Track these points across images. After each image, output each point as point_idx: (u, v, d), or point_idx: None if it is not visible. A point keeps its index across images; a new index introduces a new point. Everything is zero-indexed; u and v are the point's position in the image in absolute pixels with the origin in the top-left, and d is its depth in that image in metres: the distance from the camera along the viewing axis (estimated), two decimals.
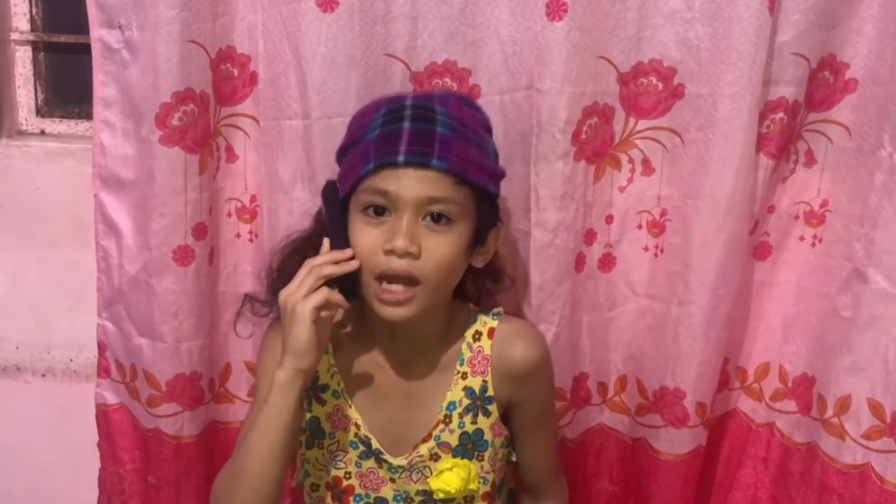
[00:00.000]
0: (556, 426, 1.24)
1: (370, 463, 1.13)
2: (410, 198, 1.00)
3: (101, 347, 1.33)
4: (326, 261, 1.02)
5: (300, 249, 1.11)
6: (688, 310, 1.25)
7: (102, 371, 1.34)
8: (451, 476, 1.11)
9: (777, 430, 1.37)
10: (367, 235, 1.02)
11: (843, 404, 1.24)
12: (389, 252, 1.00)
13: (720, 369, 1.31)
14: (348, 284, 1.03)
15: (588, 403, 1.38)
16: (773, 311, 1.34)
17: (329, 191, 1.08)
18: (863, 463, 1.23)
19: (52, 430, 1.53)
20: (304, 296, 1.00)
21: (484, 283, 1.17)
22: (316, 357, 1.02)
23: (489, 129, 1.12)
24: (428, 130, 1.01)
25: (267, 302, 1.16)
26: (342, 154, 1.08)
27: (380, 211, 1.02)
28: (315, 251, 1.06)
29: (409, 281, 1.01)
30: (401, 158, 0.99)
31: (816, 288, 1.29)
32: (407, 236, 0.99)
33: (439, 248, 1.01)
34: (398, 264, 1.00)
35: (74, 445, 1.46)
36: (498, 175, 1.09)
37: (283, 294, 1.02)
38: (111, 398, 1.35)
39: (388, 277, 1.01)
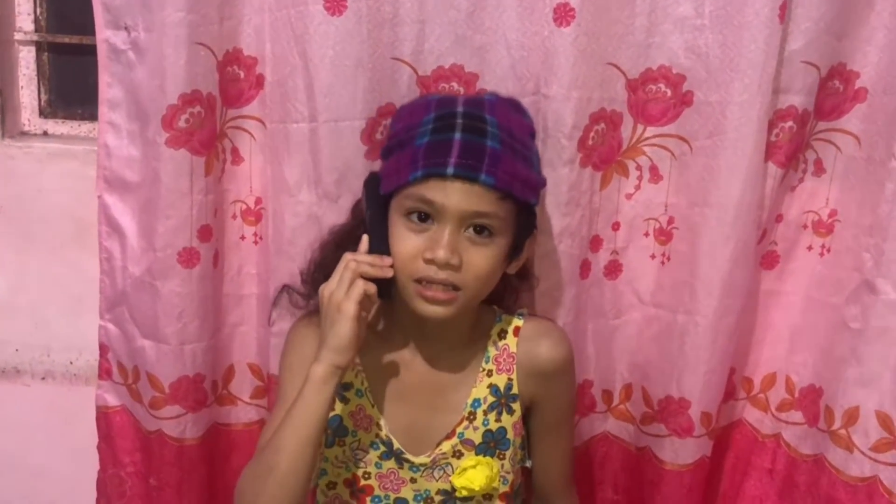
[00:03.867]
0: (572, 433, 1.24)
1: (391, 464, 1.13)
2: (455, 210, 1.00)
3: (103, 349, 1.32)
4: (366, 260, 1.03)
5: (343, 243, 1.11)
6: (694, 319, 1.25)
7: (104, 373, 1.33)
8: (475, 474, 1.11)
9: (783, 442, 1.36)
10: (408, 241, 1.02)
11: (851, 416, 1.23)
12: (430, 261, 1.01)
13: (726, 379, 1.30)
14: (380, 284, 1.04)
15: (592, 411, 1.38)
16: (781, 322, 1.33)
17: (371, 184, 1.08)
18: (871, 476, 1.22)
19: (52, 434, 1.52)
20: (345, 292, 1.01)
21: (510, 280, 1.17)
22: (354, 353, 1.02)
23: (534, 135, 1.13)
24: (478, 143, 1.01)
25: (305, 294, 1.16)
26: (387, 152, 1.08)
27: (423, 217, 1.02)
28: (356, 245, 1.06)
29: (451, 286, 1.02)
30: (450, 171, 0.99)
31: (824, 298, 1.28)
32: (448, 248, 1.00)
33: (480, 261, 1.02)
34: (437, 273, 1.01)
35: (74, 449, 1.45)
36: (540, 186, 1.10)
37: (326, 291, 1.02)
38: (112, 400, 1.34)
39: (426, 282, 1.02)
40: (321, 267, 1.13)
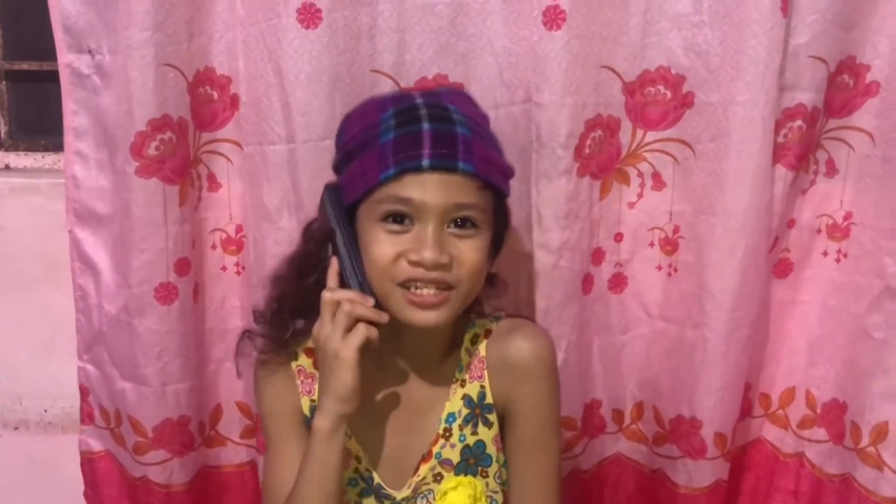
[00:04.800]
0: (554, 455, 1.09)
1: (370, 501, 1.07)
2: (437, 205, 0.93)
3: (84, 392, 1.29)
4: (354, 299, 0.96)
5: (304, 272, 1.04)
6: (703, 333, 1.21)
7: (86, 417, 1.30)
8: (456, 496, 1.03)
9: (807, 461, 1.32)
10: (387, 244, 0.95)
11: (880, 432, 1.20)
12: (416, 263, 0.94)
13: (741, 396, 1.26)
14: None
15: (603, 432, 1.34)
16: (797, 333, 1.30)
17: (332, 196, 1.00)
18: None
19: (28, 487, 1.47)
20: (341, 337, 0.94)
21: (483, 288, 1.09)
22: (358, 400, 0.96)
23: (489, 123, 1.07)
24: (449, 131, 0.95)
25: (268, 334, 1.07)
26: (344, 160, 1.01)
27: (400, 219, 0.95)
28: (316, 271, 1.00)
29: (442, 286, 0.95)
30: (425, 163, 0.93)
31: (843, 307, 1.25)
32: (436, 247, 0.93)
33: (470, 255, 0.96)
34: (427, 275, 0.94)
35: (53, 501, 1.41)
36: (510, 173, 1.04)
37: (321, 336, 0.96)
38: (96, 445, 1.31)
39: (413, 285, 0.95)
40: (283, 300, 1.05)
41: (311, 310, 0.98)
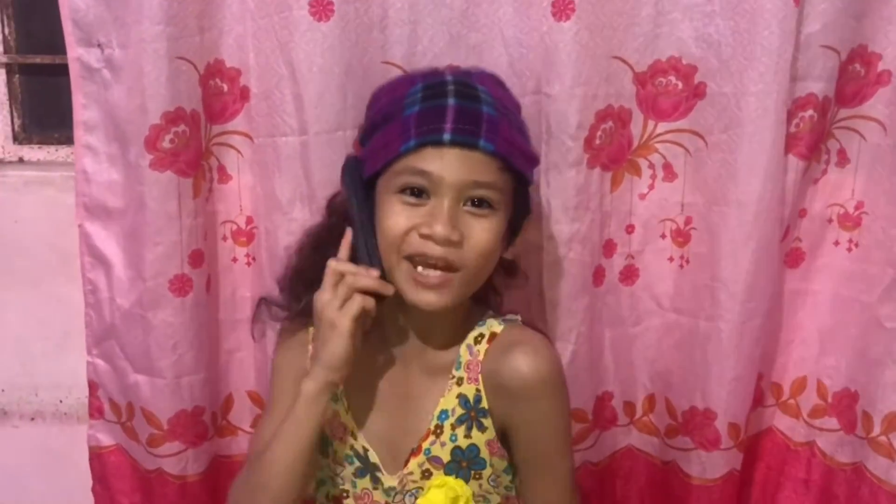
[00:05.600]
0: (565, 472, 1.04)
1: (365, 483, 1.06)
2: (454, 180, 0.93)
3: (93, 387, 1.28)
4: (357, 272, 0.96)
5: (321, 244, 1.05)
6: (716, 325, 1.20)
7: (95, 411, 1.29)
8: (436, 494, 1.00)
9: (818, 450, 1.32)
10: (400, 215, 0.95)
11: (892, 421, 1.19)
12: (427, 237, 0.93)
13: (753, 387, 1.25)
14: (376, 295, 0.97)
15: (614, 424, 1.33)
16: (809, 322, 1.29)
17: (351, 169, 1.00)
18: None
19: (44, 476, 1.47)
20: (339, 307, 0.94)
21: (496, 277, 1.08)
22: (348, 370, 0.97)
23: (520, 111, 1.06)
24: (474, 109, 0.95)
25: (285, 304, 1.09)
26: (369, 132, 1.01)
27: (417, 193, 0.95)
28: (335, 244, 1.00)
29: (447, 266, 0.95)
30: (446, 137, 0.92)
31: (855, 296, 1.24)
32: (448, 223, 0.93)
33: (482, 235, 0.95)
34: (435, 250, 0.93)
35: (68, 491, 1.41)
36: (536, 161, 1.04)
37: (318, 303, 0.96)
38: (105, 440, 1.31)
39: (422, 261, 0.95)
40: (300, 273, 1.06)
41: None
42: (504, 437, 1.03)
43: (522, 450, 1.03)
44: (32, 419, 1.47)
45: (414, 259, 0.95)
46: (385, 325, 1.04)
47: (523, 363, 0.99)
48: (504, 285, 1.11)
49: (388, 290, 0.96)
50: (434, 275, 0.94)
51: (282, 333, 1.10)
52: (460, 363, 1.03)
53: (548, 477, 1.04)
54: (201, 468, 1.29)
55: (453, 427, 1.02)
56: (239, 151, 1.21)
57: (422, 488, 1.03)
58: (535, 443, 1.02)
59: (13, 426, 1.47)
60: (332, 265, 0.97)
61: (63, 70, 1.18)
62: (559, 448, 1.03)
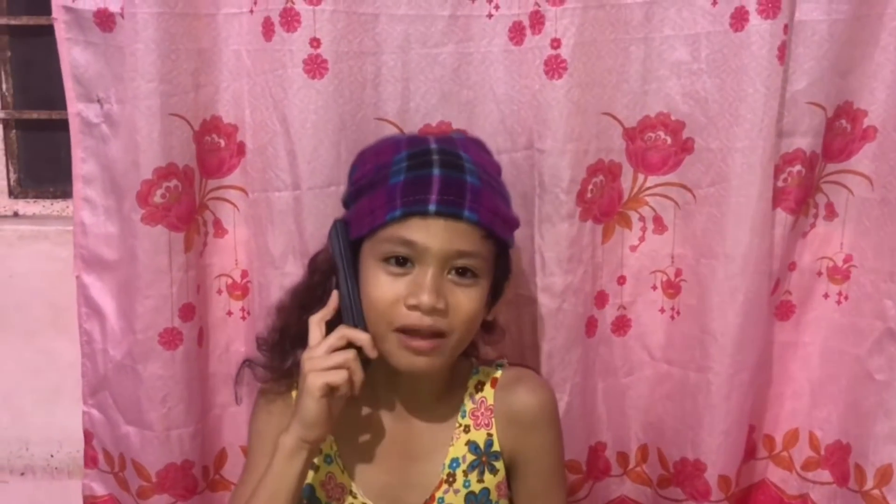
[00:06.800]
0: (563, 502, 1.12)
1: None
2: (438, 250, 0.94)
3: (88, 436, 1.28)
4: (366, 340, 0.96)
5: (307, 304, 1.04)
6: (706, 377, 1.20)
7: (90, 461, 1.29)
8: None
9: (812, 503, 1.30)
10: (386, 287, 0.96)
11: (885, 474, 1.19)
12: (414, 307, 0.94)
13: (744, 439, 1.25)
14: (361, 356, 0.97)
15: (608, 475, 1.33)
16: (800, 374, 1.29)
17: (339, 233, 1.01)
18: None
19: None
20: (324, 367, 0.94)
21: (478, 333, 1.09)
22: (325, 430, 0.96)
23: (500, 174, 1.08)
24: (458, 179, 0.96)
25: (268, 365, 1.08)
26: (353, 195, 1.02)
27: (401, 261, 0.96)
28: (319, 303, 1.00)
29: (436, 334, 0.96)
30: (431, 208, 0.94)
31: (845, 349, 1.24)
32: (433, 292, 0.93)
33: (466, 304, 0.96)
34: (422, 320, 0.94)
35: None
36: (516, 226, 1.05)
37: (305, 355, 0.96)
38: (99, 489, 1.29)
39: (412, 332, 0.95)
40: (282, 332, 1.06)
41: None
42: (509, 478, 1.08)
43: (528, 482, 1.07)
44: (23, 474, 1.46)
45: (405, 330, 0.95)
46: (376, 384, 1.04)
47: (532, 397, 1.06)
48: (484, 340, 1.12)
49: (374, 353, 0.97)
50: (424, 343, 0.95)
51: (262, 395, 1.08)
52: (465, 411, 1.06)
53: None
54: None
55: (465, 473, 1.05)
56: (235, 206, 1.22)
57: None
58: (539, 474, 1.07)
59: (3, 481, 1.45)
60: (343, 332, 0.97)
61: (59, 125, 1.20)
62: (559, 478, 1.10)
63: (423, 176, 0.96)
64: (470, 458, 1.05)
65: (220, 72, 1.15)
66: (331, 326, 0.98)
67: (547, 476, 1.08)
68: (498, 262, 1.01)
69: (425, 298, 0.93)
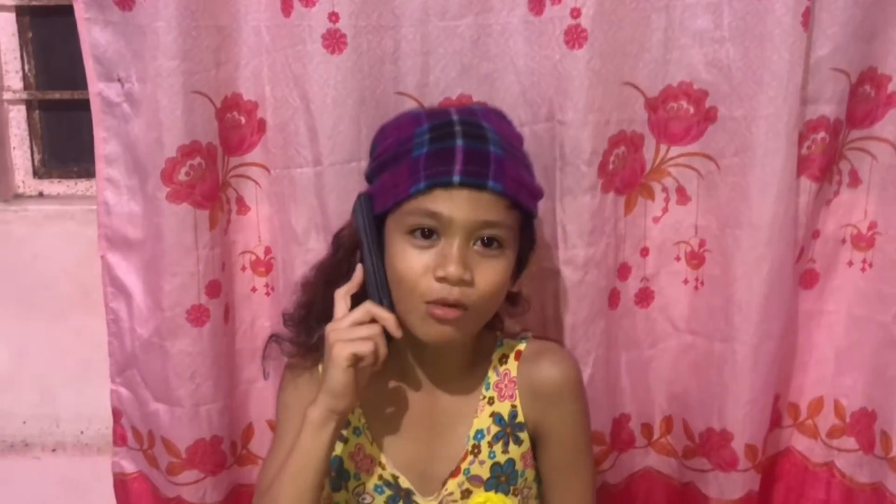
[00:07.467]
0: (590, 475, 1.11)
1: None
2: (464, 221, 0.94)
3: (116, 414, 1.29)
4: (388, 319, 0.97)
5: (331, 279, 1.04)
6: (731, 346, 1.20)
7: (118, 439, 1.30)
8: None
9: (837, 470, 1.31)
10: (414, 260, 0.96)
11: None
12: (442, 279, 0.94)
13: (770, 408, 1.25)
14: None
15: (632, 446, 1.33)
16: (825, 343, 1.28)
17: (364, 206, 1.01)
18: None
19: None
20: (350, 338, 0.95)
21: (503, 304, 1.09)
22: (352, 400, 0.97)
23: (523, 144, 1.07)
24: (482, 150, 0.96)
25: (294, 339, 1.09)
26: (376, 170, 1.02)
27: (427, 233, 0.96)
28: (344, 278, 1.01)
29: (461, 305, 0.96)
30: (456, 179, 0.93)
31: (870, 316, 1.24)
32: (460, 263, 0.94)
33: (491, 275, 0.96)
34: (451, 292, 0.94)
35: None
36: (540, 196, 1.04)
37: (330, 327, 0.97)
38: (129, 466, 1.31)
39: (440, 303, 0.95)
40: (308, 307, 1.06)
41: None
42: (534, 451, 1.08)
43: (554, 455, 1.07)
44: (54, 450, 1.47)
45: (434, 302, 0.95)
46: (402, 357, 1.05)
47: (555, 369, 1.06)
48: (509, 313, 1.12)
49: (398, 333, 0.97)
50: (450, 311, 0.95)
51: (289, 369, 1.09)
52: (489, 383, 1.07)
53: (575, 483, 1.08)
54: (220, 497, 1.29)
55: (490, 445, 1.05)
56: (257, 183, 1.22)
57: None
58: (565, 446, 1.07)
59: (34, 457, 1.47)
60: (368, 307, 0.97)
61: (81, 105, 1.20)
62: (585, 451, 1.09)
63: (446, 147, 0.95)
64: (495, 429, 1.06)
65: (240, 48, 1.15)
66: (356, 300, 0.98)
67: (572, 448, 1.08)
68: (523, 233, 1.00)
69: (452, 269, 0.93)
